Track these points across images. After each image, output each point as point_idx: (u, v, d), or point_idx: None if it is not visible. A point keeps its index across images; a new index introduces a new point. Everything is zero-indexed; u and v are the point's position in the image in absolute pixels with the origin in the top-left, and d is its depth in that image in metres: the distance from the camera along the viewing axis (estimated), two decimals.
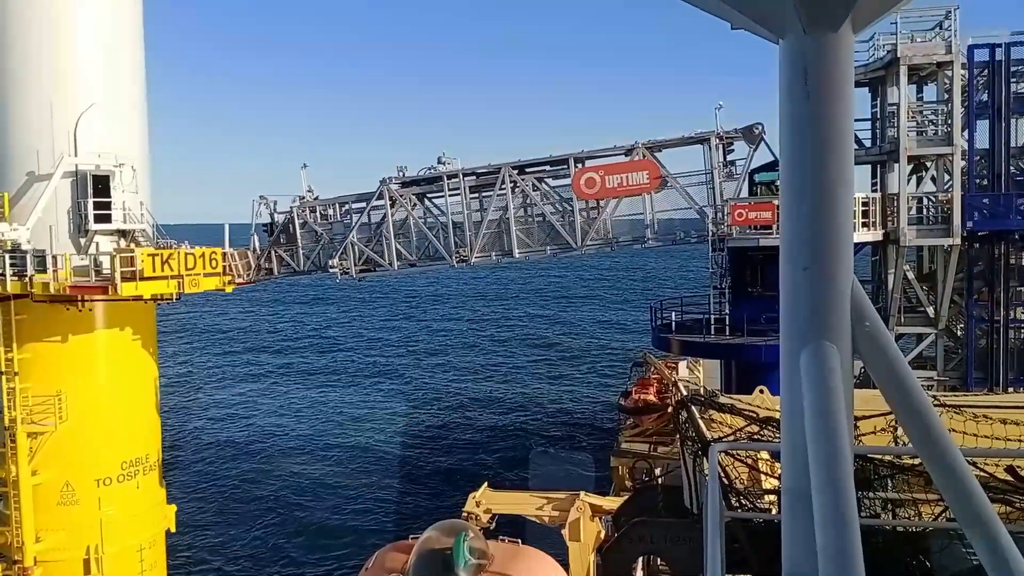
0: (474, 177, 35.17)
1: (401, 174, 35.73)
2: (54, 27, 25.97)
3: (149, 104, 29.38)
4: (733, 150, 33.35)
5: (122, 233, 27.43)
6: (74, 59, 26.22)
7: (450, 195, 35.05)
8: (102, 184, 26.61)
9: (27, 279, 25.17)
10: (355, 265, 35.37)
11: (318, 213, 36.17)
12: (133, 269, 25.24)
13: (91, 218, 26.38)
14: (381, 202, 35.17)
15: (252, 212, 35.94)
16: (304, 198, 36.08)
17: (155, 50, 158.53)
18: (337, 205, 36.25)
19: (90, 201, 26.24)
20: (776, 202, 30.49)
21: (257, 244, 35.71)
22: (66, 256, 25.43)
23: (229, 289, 28.38)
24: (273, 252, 35.76)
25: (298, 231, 35.71)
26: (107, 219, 26.75)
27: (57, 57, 25.99)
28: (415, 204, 36.00)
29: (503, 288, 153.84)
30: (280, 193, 37.57)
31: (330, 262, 35.33)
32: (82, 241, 26.62)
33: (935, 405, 3.84)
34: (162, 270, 25.91)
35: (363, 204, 35.68)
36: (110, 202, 26.69)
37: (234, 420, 61.55)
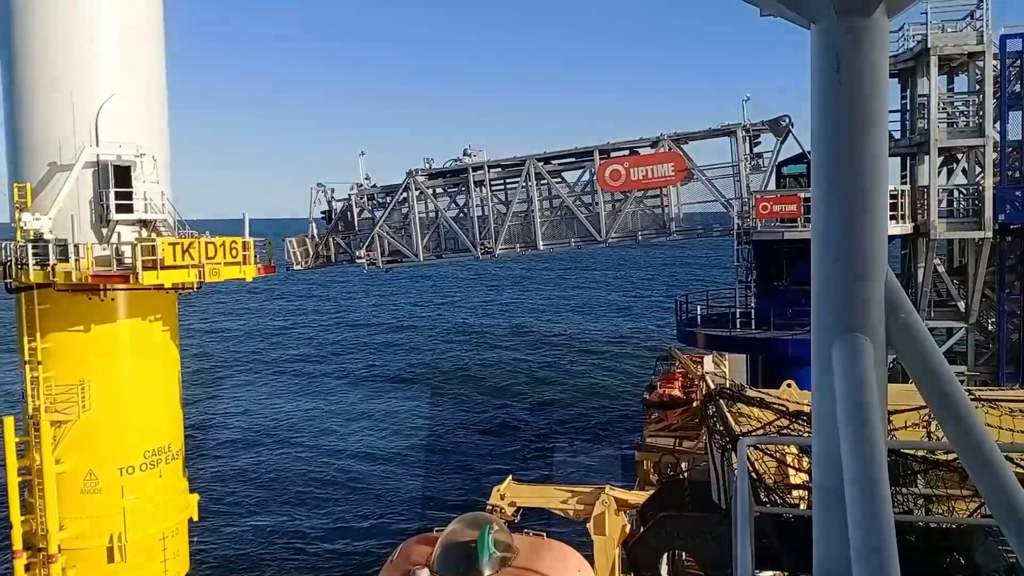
0: (500, 169, 35.13)
1: (428, 166, 35.76)
2: (74, 17, 25.99)
3: (173, 97, 29.44)
4: (760, 142, 33.09)
5: (144, 223, 27.47)
6: (95, 49, 26.18)
7: (475, 187, 35.05)
8: (123, 174, 26.62)
9: (49, 268, 25.22)
10: (381, 256, 35.45)
11: (376, 200, 36.28)
12: (154, 258, 25.17)
13: (112, 208, 26.36)
14: (408, 194, 35.26)
15: (310, 200, 36.26)
16: (362, 185, 36.21)
17: (178, 41, 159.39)
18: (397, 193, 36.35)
19: (111, 191, 26.24)
20: (801, 195, 30.16)
21: (315, 232, 35.97)
22: (88, 245, 25.45)
23: (250, 278, 28.41)
24: (331, 239, 35.95)
25: (356, 218, 35.84)
26: (128, 209, 26.73)
27: (79, 48, 25.99)
28: (441, 196, 36.02)
29: (527, 279, 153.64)
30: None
31: (357, 253, 35.46)
32: (104, 231, 26.66)
33: (970, 400, 3.69)
34: (183, 259, 25.79)
35: (392, 196, 35.79)
36: (131, 192, 26.68)
37: (259, 411, 61.93)
